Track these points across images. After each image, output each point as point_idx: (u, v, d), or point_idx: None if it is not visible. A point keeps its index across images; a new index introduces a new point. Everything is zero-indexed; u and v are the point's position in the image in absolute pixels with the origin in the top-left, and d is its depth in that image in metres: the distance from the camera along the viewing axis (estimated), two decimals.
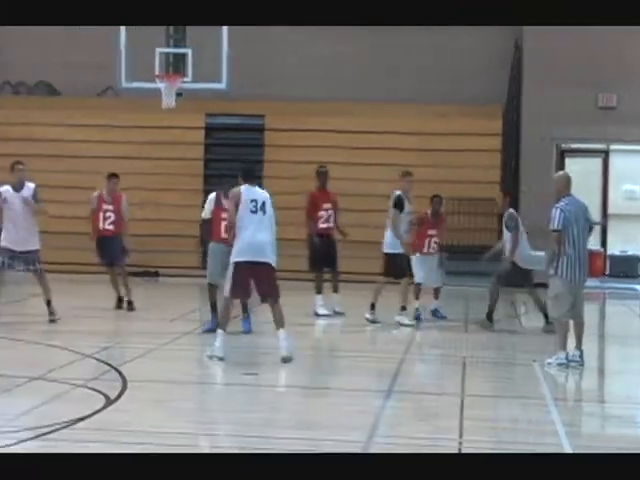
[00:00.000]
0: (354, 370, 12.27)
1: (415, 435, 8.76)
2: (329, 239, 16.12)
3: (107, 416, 9.01)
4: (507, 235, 15.23)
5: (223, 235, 13.07)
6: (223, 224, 13.10)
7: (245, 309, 13.99)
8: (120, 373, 10.84)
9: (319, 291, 16.07)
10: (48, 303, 14.80)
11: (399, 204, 15.12)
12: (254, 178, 12.20)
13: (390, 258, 15.24)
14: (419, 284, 15.78)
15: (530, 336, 15.23)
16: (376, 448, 8.14)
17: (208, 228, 14.02)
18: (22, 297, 17.60)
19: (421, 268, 15.76)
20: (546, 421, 9.38)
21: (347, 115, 22.44)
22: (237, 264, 11.71)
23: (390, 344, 14.24)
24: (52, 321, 14.57)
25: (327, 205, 16.09)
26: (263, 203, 11.76)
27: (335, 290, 16.20)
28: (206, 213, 14.04)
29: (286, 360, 11.69)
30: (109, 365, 11.28)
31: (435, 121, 22.26)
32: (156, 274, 22.27)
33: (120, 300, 16.41)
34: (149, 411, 9.41)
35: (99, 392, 9.82)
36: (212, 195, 14.09)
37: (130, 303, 16.31)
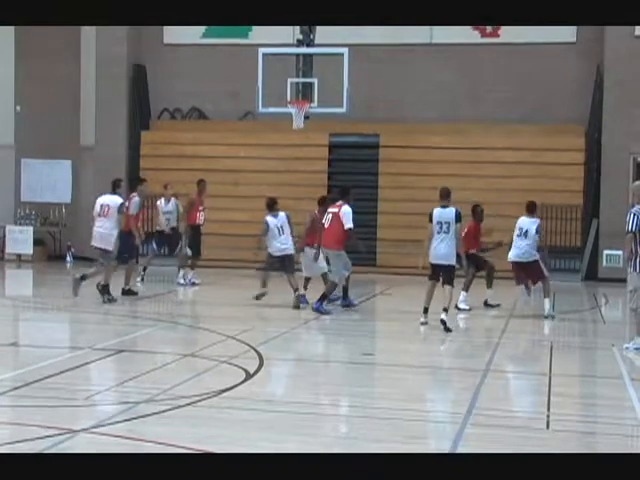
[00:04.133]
0: (458, 352, 12.22)
1: (509, 408, 8.70)
2: None
3: (247, 388, 9.13)
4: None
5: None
6: None
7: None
8: (258, 352, 10.98)
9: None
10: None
11: None
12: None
13: None
14: None
15: (610, 324, 14.94)
16: (475, 420, 8.10)
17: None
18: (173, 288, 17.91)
19: None
20: (624, 398, 9.20)
21: (449, 134, 22.32)
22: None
23: (487, 331, 14.10)
24: None
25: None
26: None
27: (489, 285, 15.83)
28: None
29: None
30: (248, 345, 11.42)
31: (527, 138, 21.98)
32: None
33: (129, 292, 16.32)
34: (283, 384, 9.53)
35: (240, 368, 9.97)
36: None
37: (131, 291, 16.34)
